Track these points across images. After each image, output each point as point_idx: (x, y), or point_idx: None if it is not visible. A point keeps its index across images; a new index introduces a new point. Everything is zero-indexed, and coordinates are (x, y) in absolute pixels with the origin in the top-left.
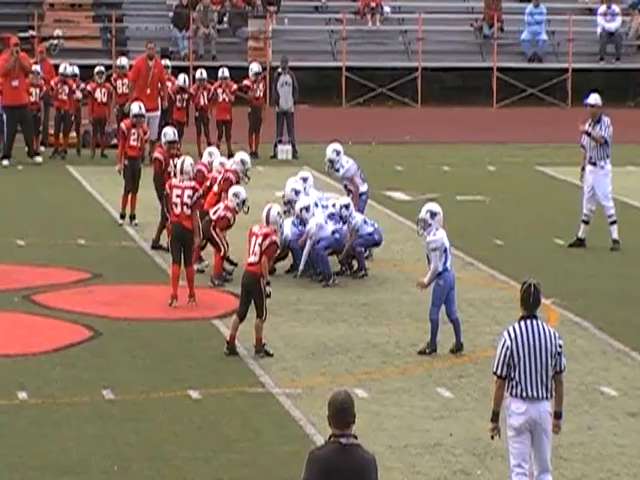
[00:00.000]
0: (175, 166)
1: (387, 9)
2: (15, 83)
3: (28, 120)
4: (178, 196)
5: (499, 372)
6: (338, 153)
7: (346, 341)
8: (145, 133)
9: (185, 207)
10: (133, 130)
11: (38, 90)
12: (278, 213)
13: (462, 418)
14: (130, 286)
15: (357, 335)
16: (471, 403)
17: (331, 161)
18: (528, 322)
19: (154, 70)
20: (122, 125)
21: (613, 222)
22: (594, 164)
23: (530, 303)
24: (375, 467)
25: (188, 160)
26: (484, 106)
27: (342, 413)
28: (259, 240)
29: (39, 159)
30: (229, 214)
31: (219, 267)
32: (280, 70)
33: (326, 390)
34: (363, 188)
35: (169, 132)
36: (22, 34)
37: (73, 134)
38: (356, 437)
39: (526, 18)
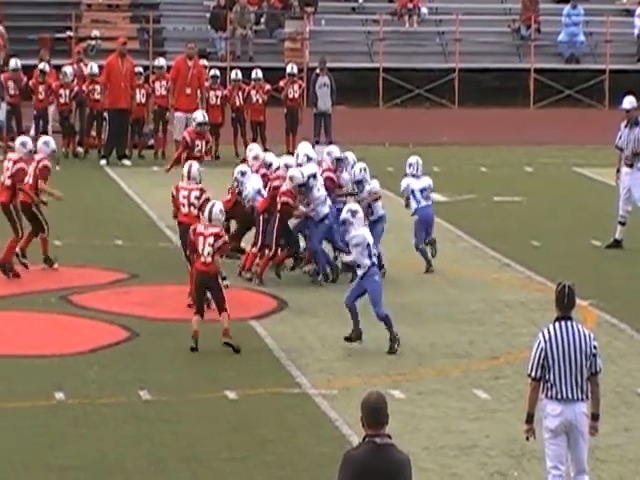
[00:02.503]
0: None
1: (424, 10)
2: (122, 85)
3: (127, 123)
4: (185, 197)
5: (533, 374)
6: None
7: (382, 342)
8: (208, 142)
9: (192, 208)
10: (197, 141)
11: (68, 91)
12: (220, 211)
13: (498, 420)
14: (167, 287)
15: None
16: (507, 404)
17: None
18: (563, 323)
19: (193, 71)
20: (186, 135)
21: None
22: (631, 165)
23: (565, 304)
24: (410, 467)
25: (195, 165)
26: (521, 107)
27: (375, 413)
28: (210, 240)
29: (127, 162)
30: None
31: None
32: (318, 71)
33: (362, 391)
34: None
35: (199, 115)
36: (59, 35)
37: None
38: (390, 437)
39: (563, 19)
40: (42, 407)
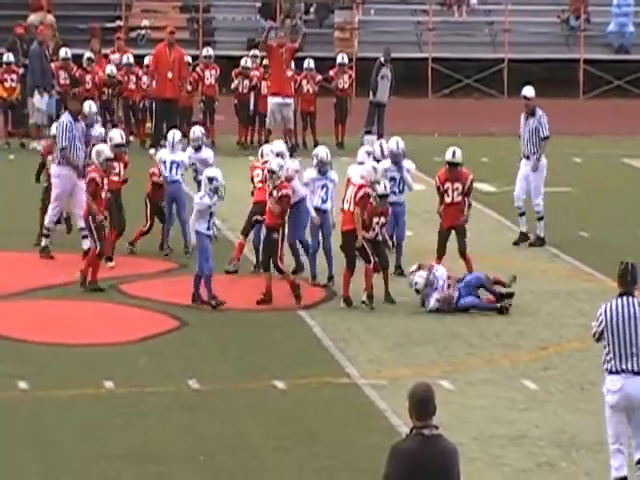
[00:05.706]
0: None
1: (473, 0)
2: (170, 75)
3: (174, 113)
4: None
5: (593, 333)
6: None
7: (431, 332)
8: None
9: None
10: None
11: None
12: None
13: (547, 410)
14: (216, 276)
15: (442, 327)
16: (557, 395)
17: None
18: (625, 299)
19: (285, 55)
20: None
21: (540, 218)
22: (527, 158)
23: (628, 280)
24: (457, 456)
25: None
26: (570, 98)
27: (423, 404)
28: None
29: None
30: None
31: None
32: (383, 61)
33: (411, 381)
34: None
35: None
36: (109, 24)
37: (148, 124)
38: (437, 427)
39: (613, 10)
40: (91, 396)
